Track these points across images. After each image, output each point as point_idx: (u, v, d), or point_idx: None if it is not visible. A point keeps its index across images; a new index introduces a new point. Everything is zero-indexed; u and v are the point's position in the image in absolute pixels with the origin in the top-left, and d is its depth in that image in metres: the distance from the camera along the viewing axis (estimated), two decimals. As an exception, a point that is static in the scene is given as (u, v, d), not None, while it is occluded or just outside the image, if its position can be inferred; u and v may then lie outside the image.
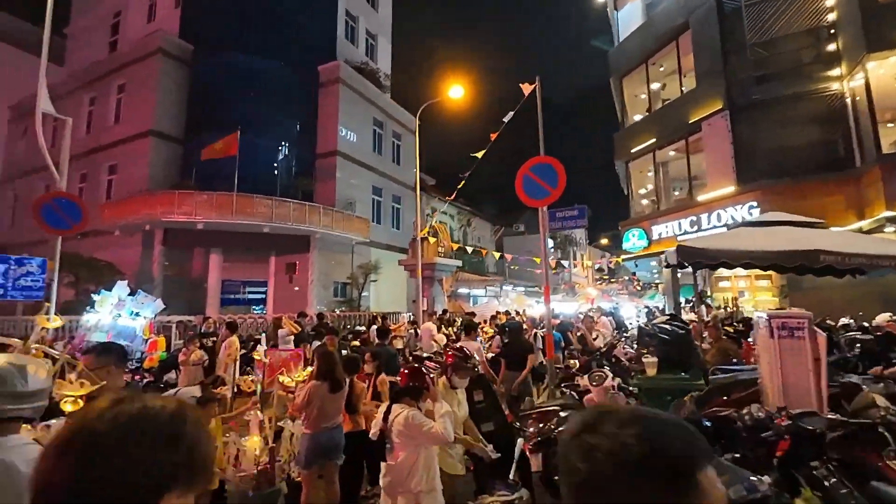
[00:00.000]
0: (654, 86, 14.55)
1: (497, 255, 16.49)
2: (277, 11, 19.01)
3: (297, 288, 17.94)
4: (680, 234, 12.08)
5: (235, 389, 4.65)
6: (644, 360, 3.87)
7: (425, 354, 7.99)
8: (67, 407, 2.23)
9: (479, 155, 8.39)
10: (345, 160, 20.01)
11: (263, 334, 5.66)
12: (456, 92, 12.03)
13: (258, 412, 4.10)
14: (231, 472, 3.95)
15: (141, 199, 15.95)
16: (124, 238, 16.95)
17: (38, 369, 1.42)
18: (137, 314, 7.44)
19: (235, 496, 3.94)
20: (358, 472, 4.21)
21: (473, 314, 10.61)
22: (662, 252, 11.37)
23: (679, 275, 11.02)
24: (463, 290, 22.55)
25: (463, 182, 9.06)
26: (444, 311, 12.00)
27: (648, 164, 14.48)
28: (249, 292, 18.26)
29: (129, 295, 7.64)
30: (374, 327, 9.22)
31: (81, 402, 2.29)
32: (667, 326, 3.89)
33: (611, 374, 3.71)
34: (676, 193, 14.62)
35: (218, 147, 15.41)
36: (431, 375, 3.21)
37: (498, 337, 7.52)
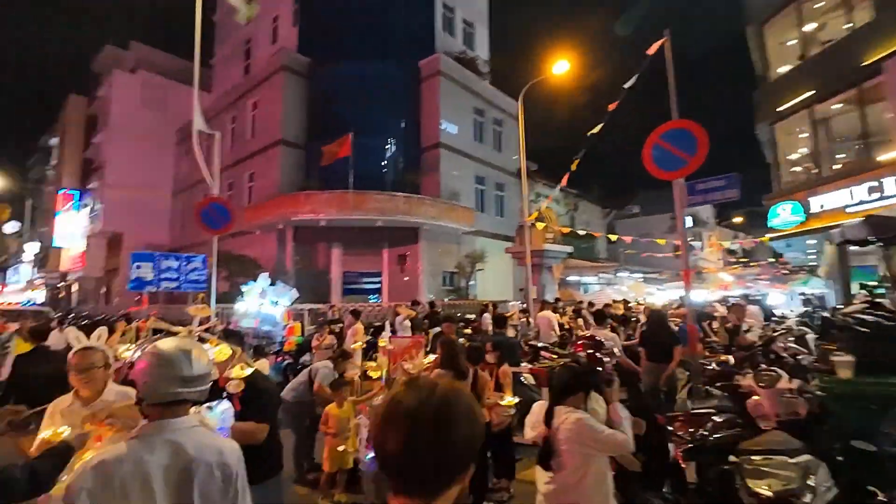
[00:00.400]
0: (809, 27, 12.02)
1: (614, 237, 15.19)
2: (379, 14, 19.83)
3: (406, 278, 18.75)
4: (852, 205, 9.86)
5: (362, 375, 4.88)
6: (834, 358, 3.09)
7: (540, 344, 7.67)
8: (231, 388, 2.43)
9: (597, 130, 7.67)
10: (447, 152, 20.27)
11: (387, 321, 5.84)
12: (561, 67, 11.27)
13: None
14: (363, 453, 4.13)
15: (274, 201, 18.00)
16: (263, 236, 19.33)
17: (202, 354, 1.46)
18: (276, 302, 8.34)
19: (368, 477, 4.12)
20: (482, 463, 4.11)
21: (591, 304, 9.93)
22: (829, 227, 9.40)
23: (850, 254, 9.02)
24: (573, 279, 21.50)
25: (577, 161, 8.41)
26: (557, 300, 11.46)
27: (802, 123, 12.07)
28: (366, 283, 19.57)
29: (270, 286, 8.60)
30: (486, 315, 9.14)
31: (243, 385, 2.50)
32: (867, 317, 3.05)
33: (786, 374, 3.03)
34: (843, 156, 11.97)
35: (333, 150, 16.66)
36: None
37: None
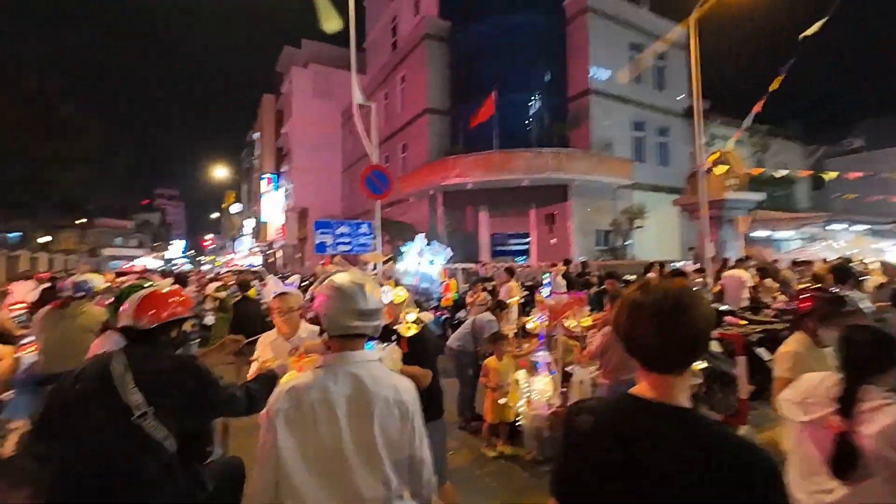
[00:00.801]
0: None
1: (830, 175, 11.66)
2: (519, -42, 18.56)
3: (554, 240, 18.01)
4: None
5: (520, 330, 4.76)
6: None
7: (724, 307, 6.48)
8: (404, 331, 2.51)
9: (817, 28, 5.77)
10: (599, 98, 18.40)
11: (546, 275, 5.58)
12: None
13: (547, 353, 4.01)
14: (525, 409, 4.05)
15: (424, 168, 18.96)
16: (417, 203, 20.67)
17: (374, 289, 1.42)
18: (433, 261, 8.79)
19: (530, 433, 4.03)
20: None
21: (799, 262, 7.99)
22: None
23: None
24: (761, 234, 17.82)
25: (780, 79, 6.57)
26: (745, 258, 9.58)
27: None
28: (514, 244, 19.49)
29: (427, 246, 9.11)
30: (651, 276, 8.13)
31: (416, 329, 2.57)
32: None
33: None
34: None
35: (480, 112, 16.59)
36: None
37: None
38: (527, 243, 19.26)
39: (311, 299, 2.01)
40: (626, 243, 17.93)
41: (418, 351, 2.39)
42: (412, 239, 9.29)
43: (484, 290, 7.34)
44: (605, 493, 0.88)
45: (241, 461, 1.99)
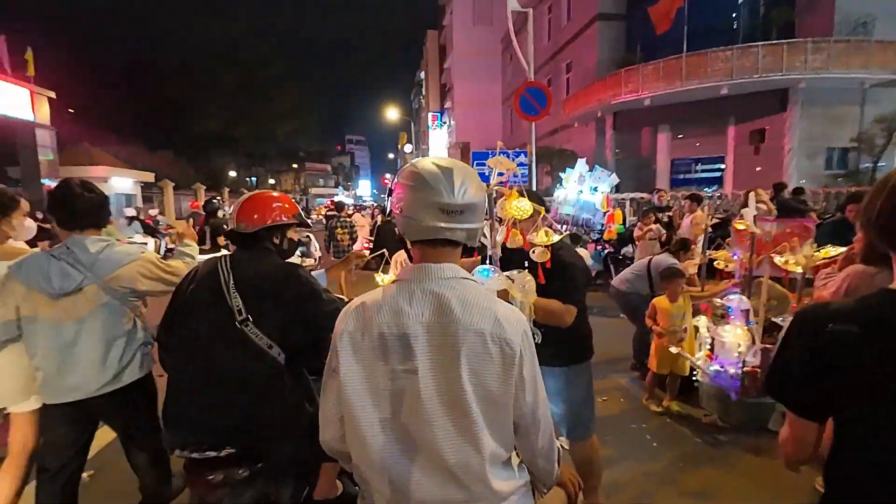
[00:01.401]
0: None
1: None
2: None
3: (759, 168, 14.26)
4: None
5: (703, 269, 3.76)
6: None
7: None
8: (536, 257, 2.05)
9: None
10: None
11: (748, 204, 4.31)
12: None
13: (742, 298, 3.05)
14: (703, 362, 3.23)
15: (591, 87, 16.78)
16: (581, 129, 18.74)
17: (469, 177, 0.98)
18: (596, 189, 7.77)
19: (711, 392, 3.24)
20: None
21: None
22: None
23: None
24: None
25: None
26: None
27: None
28: (702, 170, 16.26)
29: (589, 172, 8.06)
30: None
31: (549, 254, 2.11)
32: None
33: None
34: None
35: (662, 9, 13.47)
36: None
37: None
38: (719, 169, 15.82)
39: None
40: (876, 165, 13.15)
41: (558, 282, 1.91)
42: (573, 166, 8.34)
43: (657, 221, 6.17)
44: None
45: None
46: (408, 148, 64.34)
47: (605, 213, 7.49)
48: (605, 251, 7.33)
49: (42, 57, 14.70)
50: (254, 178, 41.05)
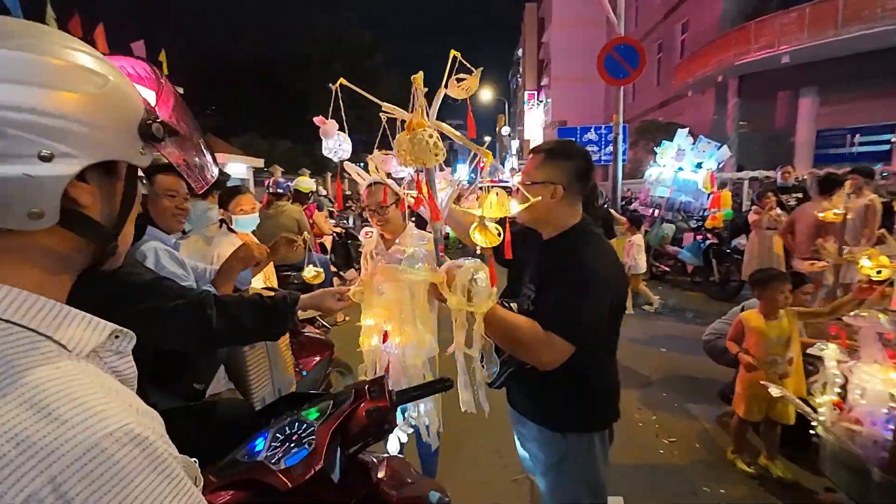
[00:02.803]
0: None
1: None
2: None
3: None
4: None
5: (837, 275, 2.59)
6: None
7: None
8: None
9: None
10: None
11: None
12: None
13: None
14: (828, 412, 2.17)
15: (711, 46, 14.17)
16: (696, 98, 16.12)
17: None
18: (700, 165, 6.34)
19: (836, 454, 2.18)
20: None
21: None
22: None
23: None
24: None
25: None
26: None
27: None
28: (863, 143, 12.87)
29: (692, 145, 6.62)
30: None
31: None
32: None
33: None
34: None
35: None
36: None
37: None
38: (886, 142, 12.35)
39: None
40: None
41: (551, 291, 1.28)
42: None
43: (779, 204, 4.72)
44: None
45: (247, 407, 1.44)
46: (506, 130, 63.07)
47: (709, 195, 6.08)
48: (707, 242, 5.93)
49: (172, 56, 16.68)
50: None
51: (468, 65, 1.27)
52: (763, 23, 12.23)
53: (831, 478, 2.25)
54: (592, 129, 11.11)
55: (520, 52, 45.67)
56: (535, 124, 36.36)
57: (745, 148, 13.94)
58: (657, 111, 19.37)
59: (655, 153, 6.99)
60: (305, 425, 0.89)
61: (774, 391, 2.24)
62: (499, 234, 1.12)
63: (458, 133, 1.33)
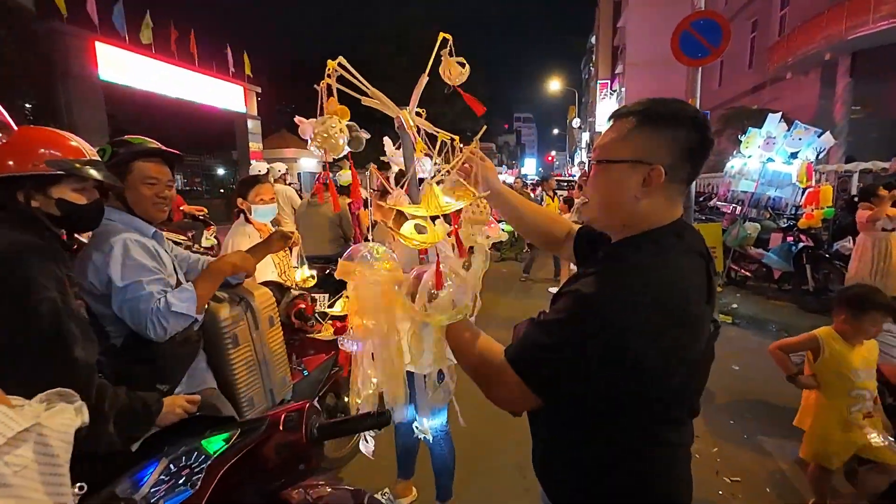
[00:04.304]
0: None
1: None
2: None
3: None
4: None
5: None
6: None
7: None
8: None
9: None
10: None
11: None
12: None
13: None
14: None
15: (817, 19, 12.34)
16: (797, 81, 14.18)
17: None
18: (794, 155, 5.45)
19: None
20: None
21: None
22: None
23: None
24: None
25: None
26: None
27: None
28: None
29: (786, 133, 5.72)
30: None
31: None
32: None
33: None
34: None
35: None
36: None
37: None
38: None
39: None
40: None
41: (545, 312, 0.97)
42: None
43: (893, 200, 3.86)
44: None
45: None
46: (576, 122, 60.90)
47: (804, 191, 5.20)
48: (800, 245, 5.07)
49: (254, 60, 17.81)
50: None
51: (460, 59, 1.20)
52: (886, -11, 10.39)
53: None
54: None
55: (593, 39, 43.41)
56: (607, 115, 34.45)
57: (858, 136, 12.01)
58: (749, 97, 17.36)
59: (740, 142, 6.13)
60: (202, 458, 0.74)
61: (875, 439, 1.76)
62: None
63: (427, 123, 1.17)
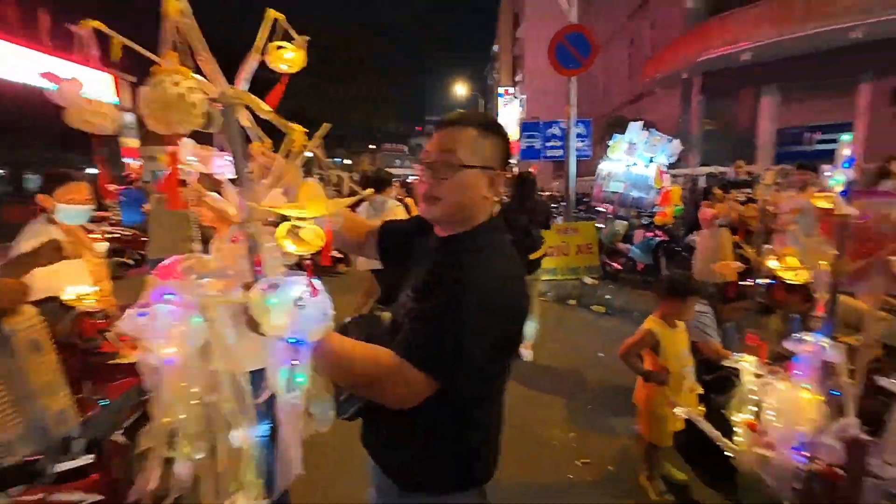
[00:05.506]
0: None
1: None
2: None
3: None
4: None
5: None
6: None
7: None
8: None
9: None
10: None
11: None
12: None
13: (824, 339, 1.68)
14: (745, 438, 1.91)
15: (676, 41, 14.16)
16: (664, 95, 16.12)
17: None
18: (651, 160, 6.13)
19: (753, 483, 1.93)
20: None
21: None
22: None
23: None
24: None
25: None
26: None
27: None
28: (821, 142, 13.04)
29: (645, 139, 6.41)
30: None
31: None
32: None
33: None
34: None
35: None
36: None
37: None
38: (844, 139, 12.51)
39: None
40: None
41: (424, 303, 1.06)
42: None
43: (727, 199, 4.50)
44: None
45: None
46: (483, 127, 62.69)
47: (658, 191, 5.87)
48: (656, 239, 5.72)
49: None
50: (338, 159, 42.60)
51: (293, 33, 1.07)
52: (725, 18, 12.23)
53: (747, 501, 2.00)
54: (556, 125, 10.89)
55: (496, 47, 45.46)
56: (511, 121, 36.21)
57: (711, 146, 13.96)
58: (628, 107, 19.37)
59: (608, 146, 6.77)
60: None
61: (680, 411, 1.96)
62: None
63: (259, 101, 0.97)
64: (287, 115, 0.97)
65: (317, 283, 0.80)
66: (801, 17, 10.68)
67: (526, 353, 3.91)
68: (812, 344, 1.64)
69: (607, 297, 5.85)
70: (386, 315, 1.18)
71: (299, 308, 0.76)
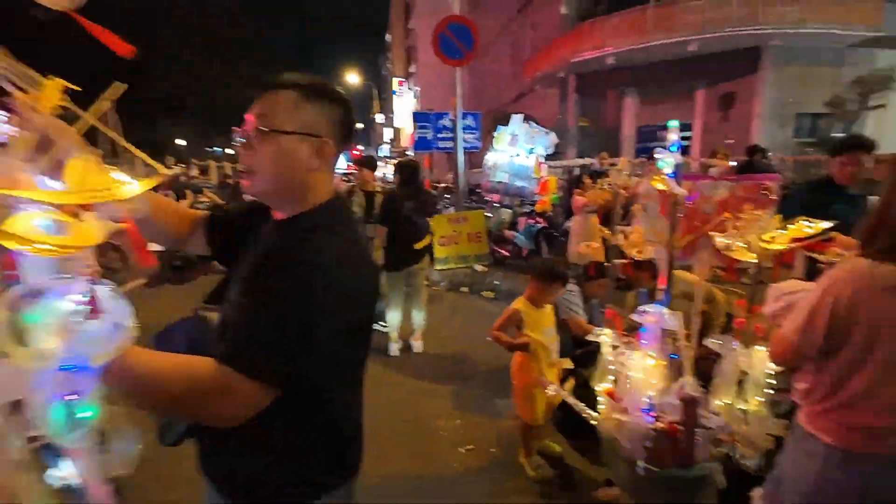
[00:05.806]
0: None
1: None
2: None
3: (728, 138, 13.17)
4: None
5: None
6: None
7: None
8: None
9: None
10: None
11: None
12: None
13: (660, 309, 1.85)
14: (606, 404, 2.06)
15: (553, 43, 15.28)
16: (544, 92, 17.31)
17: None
18: (531, 151, 6.51)
19: (612, 447, 2.09)
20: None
21: None
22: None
23: None
24: None
25: None
26: None
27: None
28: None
29: (526, 131, 6.77)
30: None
31: None
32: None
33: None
34: None
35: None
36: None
37: None
38: (689, 137, 14.74)
39: None
40: (848, 132, 12.25)
41: (251, 297, 0.87)
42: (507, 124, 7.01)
43: (594, 187, 4.95)
44: None
45: None
46: (380, 117, 62.01)
47: (537, 181, 6.27)
48: (537, 226, 6.11)
49: None
50: (217, 148, 38.20)
51: None
52: (594, 24, 13.49)
53: (610, 469, 2.17)
54: (446, 116, 11.01)
55: (388, 37, 44.87)
56: (406, 112, 36.10)
57: (585, 140, 15.38)
58: (514, 104, 20.46)
59: (493, 137, 7.03)
60: None
61: (551, 389, 2.05)
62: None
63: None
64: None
65: (103, 287, 0.60)
66: (649, 30, 12.20)
67: (416, 344, 3.86)
68: (653, 314, 1.81)
69: (496, 282, 6.07)
70: (213, 315, 1.00)
71: (76, 324, 0.56)
